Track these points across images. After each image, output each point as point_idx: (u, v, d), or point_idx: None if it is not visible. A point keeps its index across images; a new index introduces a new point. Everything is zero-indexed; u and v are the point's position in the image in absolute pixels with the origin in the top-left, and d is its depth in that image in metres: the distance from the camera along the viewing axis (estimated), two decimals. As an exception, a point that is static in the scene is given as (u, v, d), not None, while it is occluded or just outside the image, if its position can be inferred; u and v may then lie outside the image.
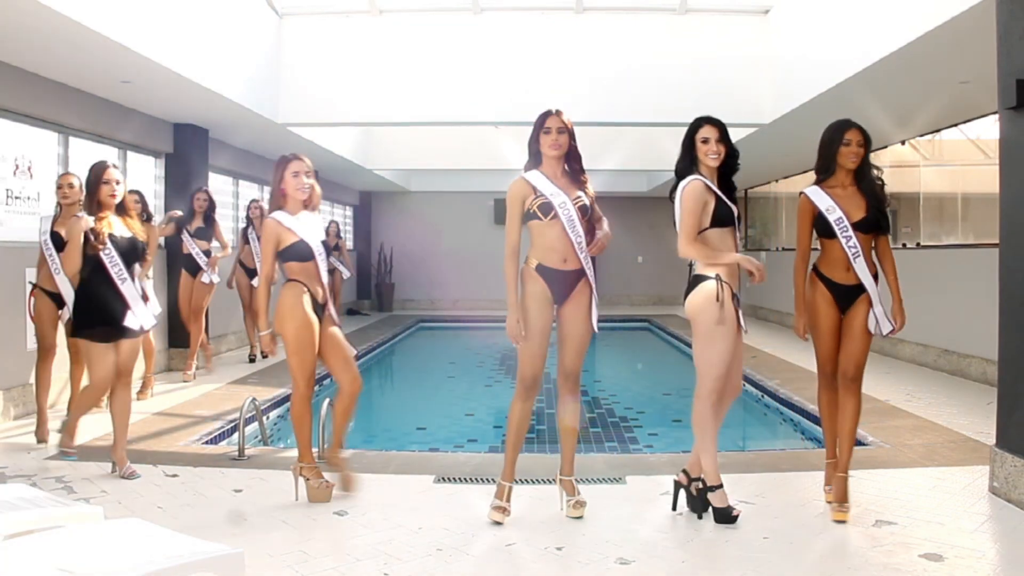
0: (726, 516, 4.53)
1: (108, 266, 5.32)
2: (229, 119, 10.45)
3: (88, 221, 5.31)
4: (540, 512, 4.61)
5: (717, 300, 4.43)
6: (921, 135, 10.91)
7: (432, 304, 21.39)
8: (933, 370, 9.92)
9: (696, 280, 4.56)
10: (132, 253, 5.47)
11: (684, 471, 4.74)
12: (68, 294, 6.05)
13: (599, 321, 4.67)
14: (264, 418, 6.97)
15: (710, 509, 4.59)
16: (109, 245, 5.31)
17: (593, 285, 4.62)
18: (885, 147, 11.80)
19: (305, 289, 4.91)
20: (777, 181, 16.37)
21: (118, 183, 5.50)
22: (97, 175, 5.46)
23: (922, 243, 10.97)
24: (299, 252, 4.92)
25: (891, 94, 8.71)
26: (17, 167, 7.85)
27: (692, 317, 4.57)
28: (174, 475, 5.52)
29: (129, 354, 5.47)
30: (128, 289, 5.38)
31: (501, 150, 15.99)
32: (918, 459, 5.87)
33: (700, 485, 4.62)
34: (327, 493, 4.92)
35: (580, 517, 4.62)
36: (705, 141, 4.62)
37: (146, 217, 7.71)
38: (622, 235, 22.51)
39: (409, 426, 8.41)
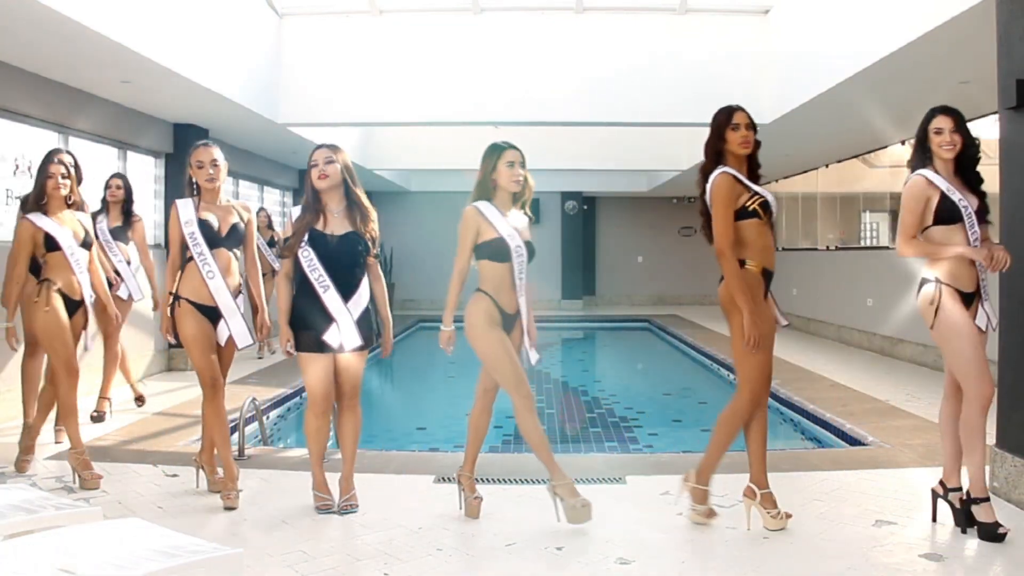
0: (991, 533, 4.23)
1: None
2: (229, 119, 10.44)
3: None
4: (540, 512, 4.60)
5: (931, 304, 4.29)
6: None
7: (432, 304, 21.36)
8: (933, 370, 9.91)
9: (921, 283, 4.38)
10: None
11: (940, 482, 4.52)
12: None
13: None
14: (264, 418, 6.96)
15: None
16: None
17: None
18: (884, 147, 11.81)
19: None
20: (777, 181, 16.37)
21: (64, 176, 5.37)
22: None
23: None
24: None
25: (891, 94, 8.72)
26: (17, 167, 7.85)
27: (925, 321, 4.40)
28: (174, 475, 5.53)
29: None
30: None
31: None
32: (918, 459, 5.87)
33: (963, 496, 4.37)
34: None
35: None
36: (939, 132, 4.31)
37: (128, 205, 7.69)
38: (622, 235, 22.55)
39: (409, 426, 8.41)
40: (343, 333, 4.61)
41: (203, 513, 4.79)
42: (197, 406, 7.75)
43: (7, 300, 5.49)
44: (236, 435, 6.14)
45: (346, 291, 4.64)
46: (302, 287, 4.69)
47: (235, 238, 4.99)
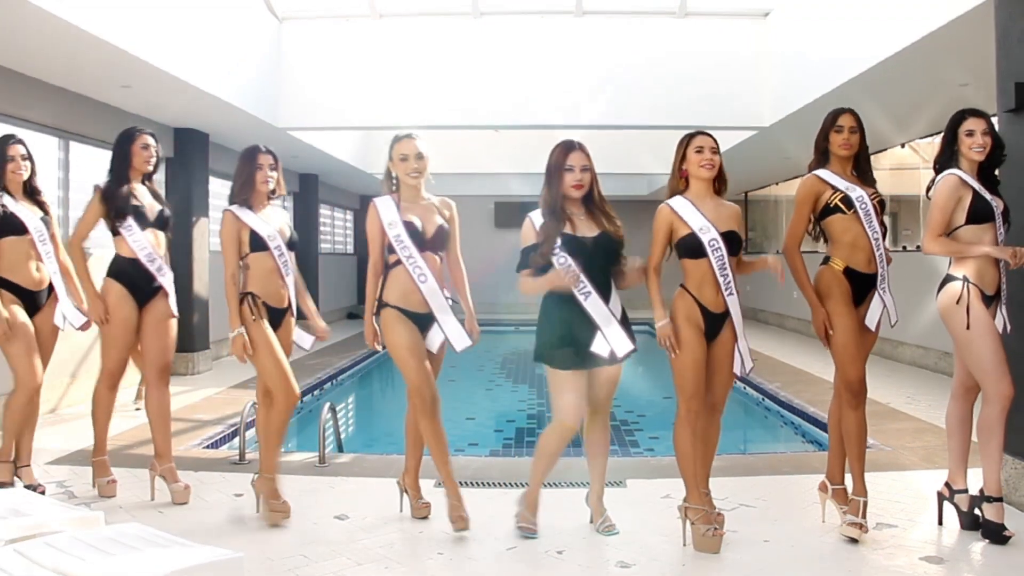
0: (996, 534, 4.24)
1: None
2: (229, 123, 10.45)
3: None
4: (541, 516, 4.60)
5: (958, 303, 4.27)
6: (921, 137, 10.92)
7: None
8: (933, 372, 9.92)
9: (944, 280, 4.38)
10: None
11: (946, 484, 4.51)
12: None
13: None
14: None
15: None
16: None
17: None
18: (884, 150, 11.81)
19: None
20: (777, 184, 16.38)
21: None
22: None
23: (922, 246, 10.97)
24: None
25: (891, 97, 8.72)
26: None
27: (943, 320, 4.40)
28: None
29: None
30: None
31: (501, 154, 16.01)
32: (919, 462, 5.87)
33: (972, 496, 4.39)
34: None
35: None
36: (970, 134, 4.34)
37: None
38: (622, 238, 22.53)
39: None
40: (612, 339, 4.22)
41: (203, 518, 4.78)
42: (197, 410, 7.80)
43: (232, 303, 4.78)
44: (236, 439, 6.16)
45: (604, 295, 4.26)
46: (551, 297, 4.32)
47: (441, 240, 4.58)
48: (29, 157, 5.19)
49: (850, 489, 4.40)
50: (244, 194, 4.77)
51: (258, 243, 4.71)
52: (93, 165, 9.18)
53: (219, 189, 11.71)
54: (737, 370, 4.33)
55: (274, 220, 4.84)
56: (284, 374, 4.69)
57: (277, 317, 4.81)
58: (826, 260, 4.46)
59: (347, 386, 10.64)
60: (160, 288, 5.14)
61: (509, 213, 20.18)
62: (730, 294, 4.22)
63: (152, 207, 5.19)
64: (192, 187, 10.85)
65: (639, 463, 6.46)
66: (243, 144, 5.22)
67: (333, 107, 11.04)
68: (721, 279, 4.20)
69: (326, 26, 10.99)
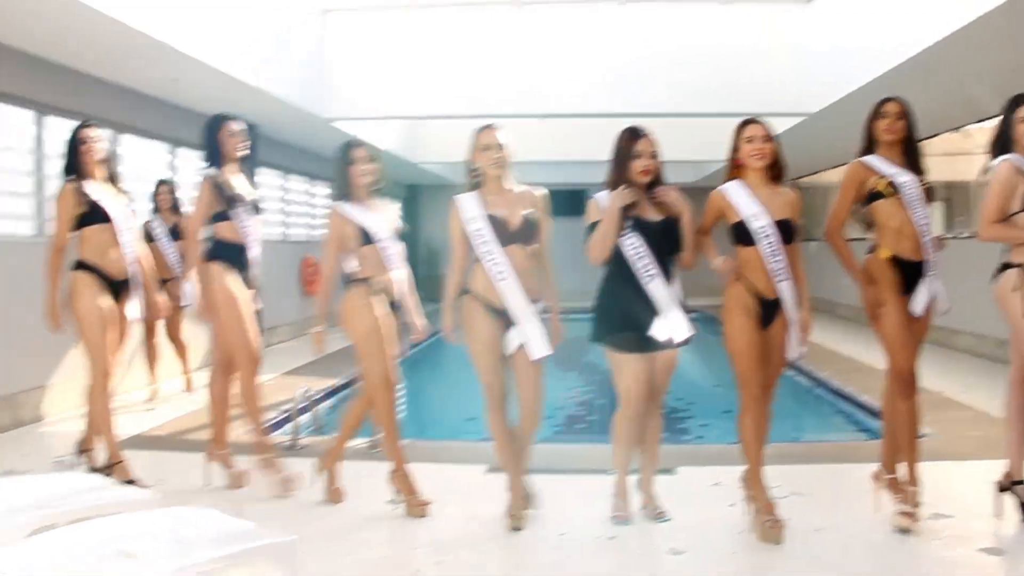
0: None
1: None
2: (276, 115, 10.54)
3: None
4: (592, 502, 4.60)
5: (1014, 290, 4.20)
6: (976, 122, 10.69)
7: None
8: (991, 361, 9.73)
9: (1001, 267, 4.31)
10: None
11: (1006, 474, 4.44)
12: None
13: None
14: (317, 408, 7.01)
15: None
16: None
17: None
18: (937, 135, 11.60)
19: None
20: (826, 171, 16.15)
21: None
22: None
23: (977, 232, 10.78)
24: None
25: (941, 82, 8.55)
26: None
27: (1000, 308, 4.35)
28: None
29: None
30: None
31: (549, 143, 15.97)
32: (976, 451, 5.76)
33: None
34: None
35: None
36: None
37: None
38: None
39: (459, 416, 8.43)
40: (672, 325, 4.23)
41: (255, 501, 4.84)
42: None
43: (323, 300, 4.82)
44: (290, 425, 6.23)
45: (667, 280, 4.28)
46: (614, 279, 4.33)
47: (528, 231, 4.39)
48: (103, 139, 5.17)
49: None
50: (344, 190, 4.73)
51: (366, 237, 4.66)
52: (144, 157, 9.35)
53: (267, 180, 11.83)
54: (792, 355, 4.28)
55: (380, 213, 4.77)
56: (384, 368, 4.72)
57: (395, 308, 4.80)
58: (872, 249, 4.40)
59: (400, 372, 10.71)
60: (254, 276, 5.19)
61: (557, 201, 20.14)
62: (782, 280, 4.17)
63: (251, 193, 5.25)
64: (241, 179, 10.94)
65: (689, 450, 6.42)
66: (292, 135, 5.29)
67: (378, 97, 11.09)
68: (772, 266, 4.16)
69: (369, 17, 11.05)
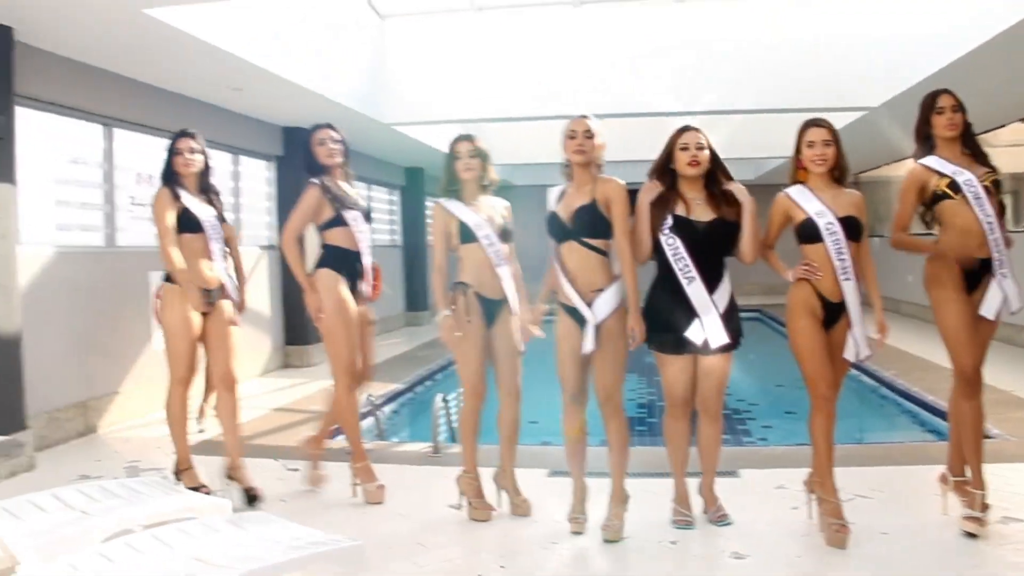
0: None
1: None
2: (336, 120, 10.53)
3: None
4: (653, 507, 4.60)
5: None
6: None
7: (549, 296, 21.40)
8: (1062, 358, 9.51)
9: None
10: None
11: None
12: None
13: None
14: (379, 413, 7.10)
15: None
16: None
17: None
18: (1002, 126, 11.35)
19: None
20: (888, 165, 15.89)
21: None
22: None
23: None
24: None
25: (1007, 72, 8.34)
26: (139, 176, 8.19)
27: None
28: (295, 469, 5.68)
29: None
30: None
31: (606, 143, 15.90)
32: (1047, 452, 5.64)
33: None
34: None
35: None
36: None
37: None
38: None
39: (521, 420, 8.44)
40: (708, 330, 4.18)
41: (324, 506, 4.93)
42: (313, 402, 8.00)
43: (438, 291, 4.71)
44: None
45: (711, 283, 4.22)
46: (658, 279, 4.29)
47: (581, 224, 4.27)
48: (202, 152, 5.17)
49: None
50: (451, 186, 4.71)
51: (468, 234, 4.60)
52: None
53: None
54: (850, 356, 4.24)
55: (486, 210, 4.68)
56: (476, 370, 4.63)
57: (493, 309, 4.65)
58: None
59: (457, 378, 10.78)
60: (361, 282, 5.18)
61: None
62: (847, 279, 4.14)
63: (362, 200, 5.30)
64: (301, 185, 11.06)
65: (752, 453, 6.38)
66: (350, 140, 5.34)
67: (436, 101, 11.16)
68: (838, 263, 4.13)
69: (427, 21, 11.12)
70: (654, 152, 4.40)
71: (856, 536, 4.13)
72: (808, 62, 10.25)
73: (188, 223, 5.02)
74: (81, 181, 7.56)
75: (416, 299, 16.37)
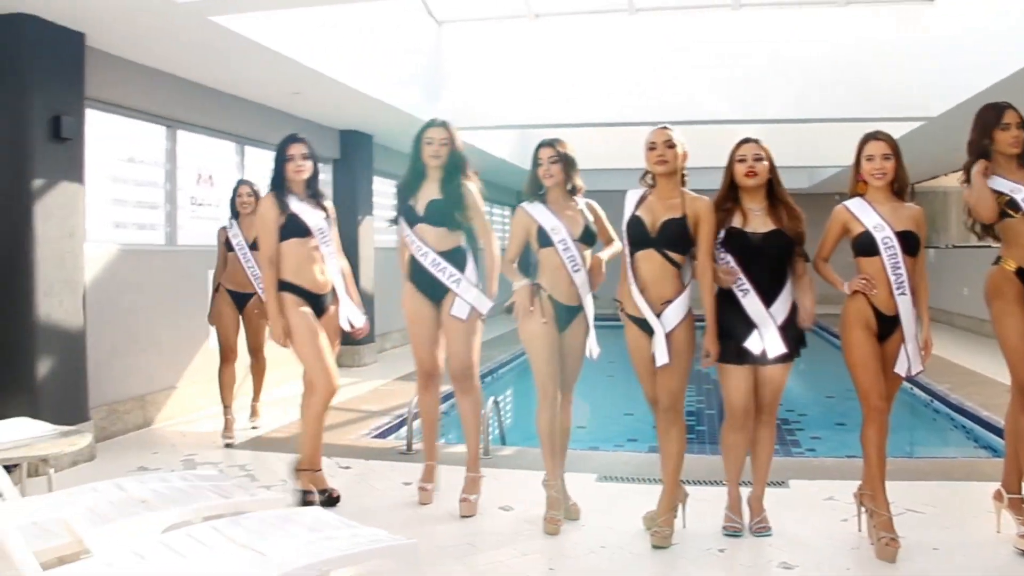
0: None
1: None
2: (392, 125, 10.79)
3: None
4: (701, 514, 4.61)
5: None
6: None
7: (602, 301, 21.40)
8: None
9: None
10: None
11: None
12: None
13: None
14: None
15: None
16: None
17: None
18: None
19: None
20: (946, 175, 15.67)
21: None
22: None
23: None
24: None
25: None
26: (199, 176, 8.38)
27: None
28: (347, 467, 5.78)
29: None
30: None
31: (688, 153, 15.87)
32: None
33: None
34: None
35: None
36: None
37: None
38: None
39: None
40: (766, 340, 4.21)
41: (375, 504, 5.00)
42: (365, 401, 8.12)
43: (509, 271, 4.75)
44: (403, 430, 6.39)
45: (769, 294, 4.25)
46: (719, 289, 4.33)
47: (666, 237, 4.29)
48: (311, 157, 5.14)
49: None
50: (536, 190, 4.70)
51: (545, 238, 4.58)
52: (264, 168, 9.70)
53: (382, 188, 12.11)
54: (901, 370, 4.22)
55: (569, 215, 4.63)
56: (551, 374, 4.58)
57: (570, 315, 4.64)
58: (997, 260, 4.30)
59: (506, 380, 10.86)
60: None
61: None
62: (902, 294, 4.13)
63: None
64: (357, 187, 11.28)
65: (802, 463, 6.35)
66: (406, 144, 5.41)
67: (491, 106, 11.23)
68: (893, 277, 4.12)
69: (483, 27, 11.18)
70: (706, 160, 4.42)
71: (906, 551, 4.10)
72: (865, 71, 10.15)
73: (297, 228, 5.00)
74: (144, 181, 7.73)
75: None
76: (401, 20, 9.97)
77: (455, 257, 4.90)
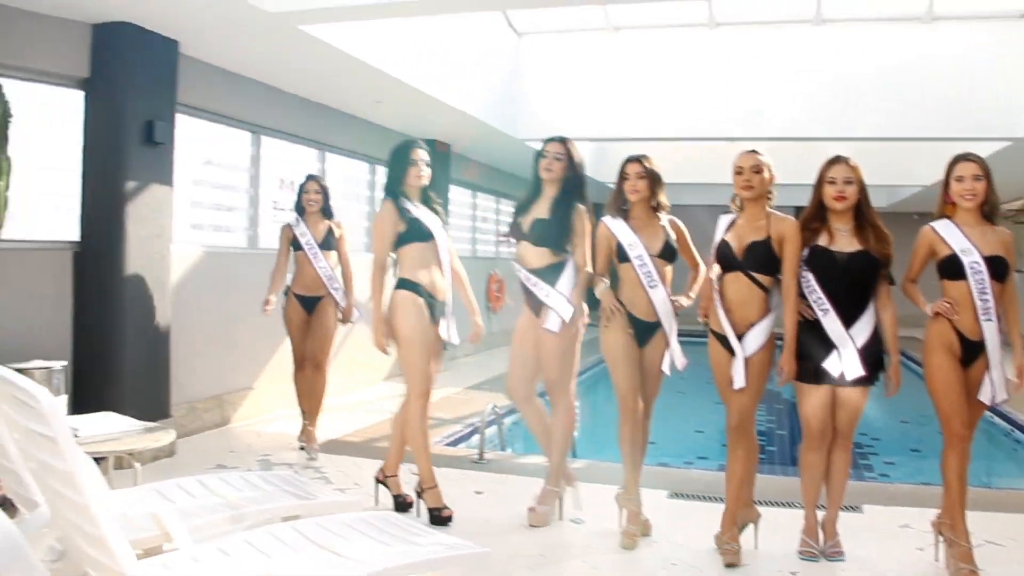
0: None
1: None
2: (471, 135, 10.90)
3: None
4: (773, 535, 4.57)
5: None
6: None
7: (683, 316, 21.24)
8: None
9: None
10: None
11: None
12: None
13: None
14: (502, 424, 7.19)
15: None
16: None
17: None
18: None
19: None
20: (1031, 198, 15.27)
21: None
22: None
23: None
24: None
25: None
26: (281, 181, 8.56)
27: None
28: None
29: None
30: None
31: (775, 176, 15.73)
32: None
33: None
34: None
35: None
36: None
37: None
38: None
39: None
40: (844, 362, 4.17)
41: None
42: (437, 409, 8.12)
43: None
44: (475, 438, 6.43)
45: (850, 316, 4.21)
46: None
47: (753, 259, 4.30)
48: (431, 164, 5.11)
49: None
50: (617, 204, 4.71)
51: (624, 254, 4.60)
52: (344, 174, 9.89)
53: (459, 197, 12.21)
54: (985, 398, 4.13)
55: (648, 231, 4.65)
56: (632, 388, 4.63)
57: (649, 331, 4.65)
58: None
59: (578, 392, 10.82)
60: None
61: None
62: (988, 320, 4.04)
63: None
64: (437, 196, 11.36)
65: (875, 488, 6.23)
66: (484, 154, 5.48)
67: (569, 118, 11.23)
68: (980, 302, 4.04)
69: (562, 40, 11.22)
70: (788, 176, 4.38)
71: (987, 581, 4.01)
72: (949, 89, 9.95)
73: (419, 233, 4.94)
74: (227, 185, 7.93)
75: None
76: (482, 31, 10.07)
77: (549, 273, 4.86)
